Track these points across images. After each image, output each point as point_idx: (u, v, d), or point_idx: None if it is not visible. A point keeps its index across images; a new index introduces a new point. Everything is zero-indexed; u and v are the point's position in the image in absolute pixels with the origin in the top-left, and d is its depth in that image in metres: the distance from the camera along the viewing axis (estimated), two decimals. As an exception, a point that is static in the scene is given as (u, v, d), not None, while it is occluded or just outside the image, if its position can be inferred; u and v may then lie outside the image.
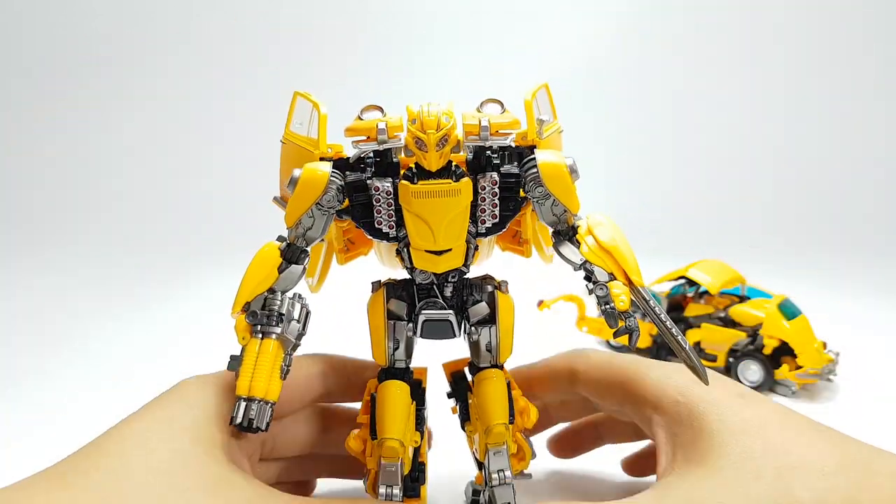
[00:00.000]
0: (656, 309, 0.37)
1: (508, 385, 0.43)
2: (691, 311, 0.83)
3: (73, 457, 0.34)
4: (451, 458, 0.51)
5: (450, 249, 0.38)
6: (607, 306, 0.37)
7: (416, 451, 0.43)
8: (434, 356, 0.48)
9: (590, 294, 0.38)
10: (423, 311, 0.41)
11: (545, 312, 0.91)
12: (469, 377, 0.45)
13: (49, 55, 1.78)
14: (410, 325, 0.41)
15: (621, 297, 0.36)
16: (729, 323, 0.79)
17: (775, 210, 1.63)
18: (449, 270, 0.40)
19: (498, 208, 0.39)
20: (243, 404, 0.36)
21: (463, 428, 0.45)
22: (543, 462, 0.52)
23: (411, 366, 0.44)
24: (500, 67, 1.73)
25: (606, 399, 0.46)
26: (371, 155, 0.38)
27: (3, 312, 1.02)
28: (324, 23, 1.82)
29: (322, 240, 0.40)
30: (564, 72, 1.74)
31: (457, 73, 1.76)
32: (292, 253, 0.39)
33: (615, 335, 0.37)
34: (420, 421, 0.43)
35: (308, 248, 0.40)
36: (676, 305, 0.86)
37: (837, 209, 1.61)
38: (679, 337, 0.37)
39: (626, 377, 0.44)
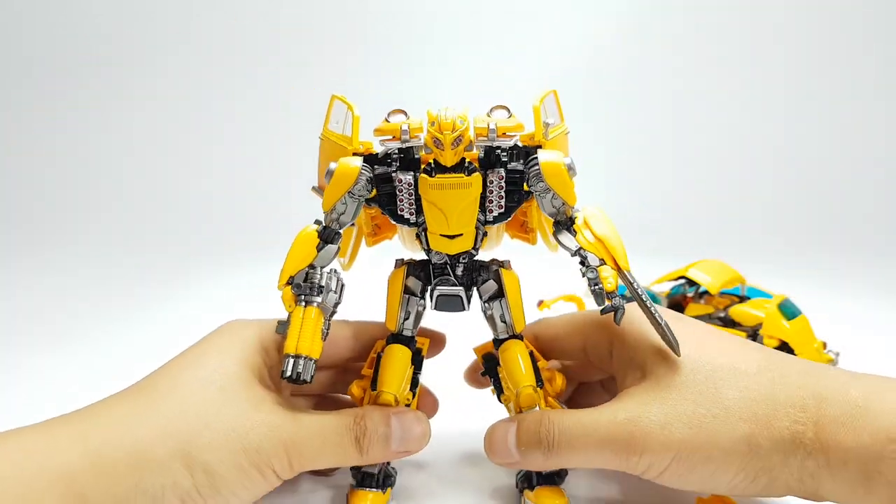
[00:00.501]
0: (639, 290, 0.43)
1: (532, 354, 0.49)
2: (691, 311, 0.82)
3: (140, 381, 0.44)
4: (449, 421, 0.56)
5: (461, 234, 0.45)
6: (596, 287, 0.42)
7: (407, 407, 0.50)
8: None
9: (582, 276, 0.43)
10: (438, 287, 0.48)
11: (545, 312, 0.91)
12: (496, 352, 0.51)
13: (49, 55, 1.78)
14: (422, 301, 0.49)
15: (609, 279, 0.42)
16: (729, 323, 0.79)
17: (775, 210, 1.63)
18: (460, 252, 0.46)
19: (504, 200, 0.45)
20: (291, 360, 0.42)
21: (500, 400, 0.51)
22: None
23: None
24: (501, 67, 1.73)
25: (568, 348, 0.52)
26: (396, 151, 0.45)
27: (4, 312, 1.02)
28: (323, 23, 1.82)
29: (353, 224, 0.47)
30: (564, 72, 1.74)
31: (458, 73, 1.76)
32: (328, 234, 0.46)
33: (602, 312, 0.42)
34: (415, 383, 0.50)
35: (341, 231, 0.46)
36: (676, 305, 0.86)
37: (837, 209, 1.61)
38: (657, 315, 0.43)
39: (583, 324, 0.50)
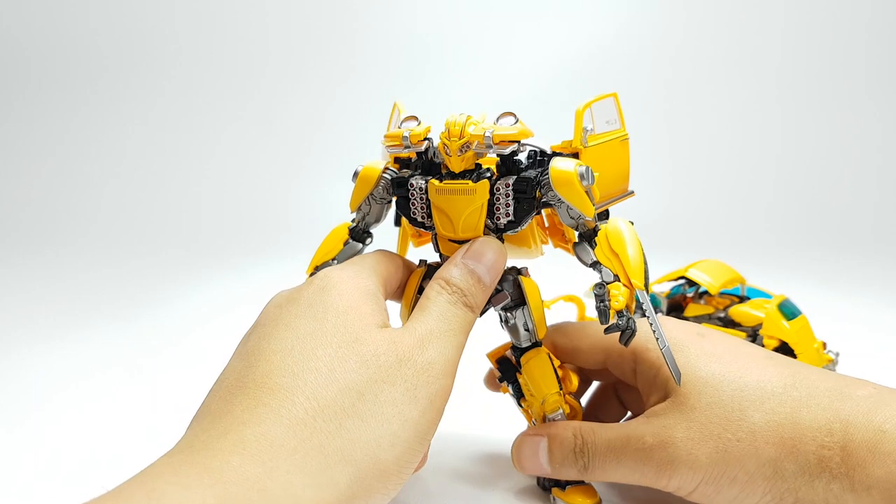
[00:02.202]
0: (649, 312, 0.41)
1: (550, 357, 0.49)
2: (691, 311, 0.82)
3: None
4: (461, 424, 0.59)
5: (469, 240, 0.45)
6: (602, 304, 0.40)
7: None
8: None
9: (594, 292, 0.41)
10: None
11: (545, 313, 0.91)
12: (513, 359, 0.51)
13: (50, 56, 1.78)
14: None
15: (618, 297, 0.40)
16: (729, 323, 0.79)
17: (775, 210, 1.63)
18: None
19: (511, 208, 0.44)
20: None
21: (519, 405, 0.51)
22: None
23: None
24: (503, 69, 1.73)
25: (589, 361, 0.51)
26: (416, 157, 0.46)
27: (12, 312, 1.02)
28: (324, 25, 1.82)
29: (398, 225, 0.51)
30: (565, 72, 1.74)
31: (460, 74, 1.77)
32: (356, 233, 0.49)
33: (606, 331, 0.40)
34: None
35: (371, 231, 0.49)
36: (676, 305, 0.86)
37: (837, 209, 1.61)
38: (661, 341, 0.41)
39: (605, 340, 0.48)
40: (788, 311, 0.76)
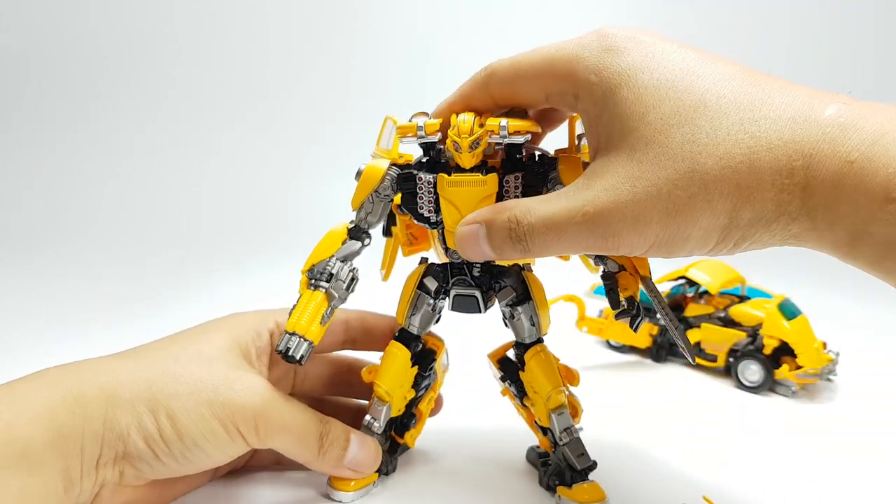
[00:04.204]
0: (658, 297, 0.42)
1: (552, 355, 0.50)
2: (691, 311, 0.83)
3: (141, 346, 0.47)
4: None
5: None
6: (612, 291, 0.42)
7: (412, 402, 0.53)
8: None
9: (602, 281, 0.43)
10: (454, 287, 0.49)
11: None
12: (515, 358, 0.51)
13: (50, 56, 1.78)
14: (432, 301, 0.50)
15: (627, 285, 0.41)
16: (729, 323, 0.79)
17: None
18: None
19: None
20: (286, 336, 0.45)
21: (522, 403, 0.51)
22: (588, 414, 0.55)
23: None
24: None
25: (529, 93, 0.44)
26: (426, 157, 0.47)
27: (7, 314, 1.02)
28: (322, 27, 1.82)
29: (391, 235, 0.51)
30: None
31: (460, 74, 1.76)
32: (356, 232, 0.49)
33: (616, 317, 0.42)
34: (418, 383, 0.52)
35: (370, 231, 0.49)
36: (676, 305, 0.86)
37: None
38: (675, 324, 0.42)
39: (539, 68, 0.42)
40: (788, 311, 0.76)
